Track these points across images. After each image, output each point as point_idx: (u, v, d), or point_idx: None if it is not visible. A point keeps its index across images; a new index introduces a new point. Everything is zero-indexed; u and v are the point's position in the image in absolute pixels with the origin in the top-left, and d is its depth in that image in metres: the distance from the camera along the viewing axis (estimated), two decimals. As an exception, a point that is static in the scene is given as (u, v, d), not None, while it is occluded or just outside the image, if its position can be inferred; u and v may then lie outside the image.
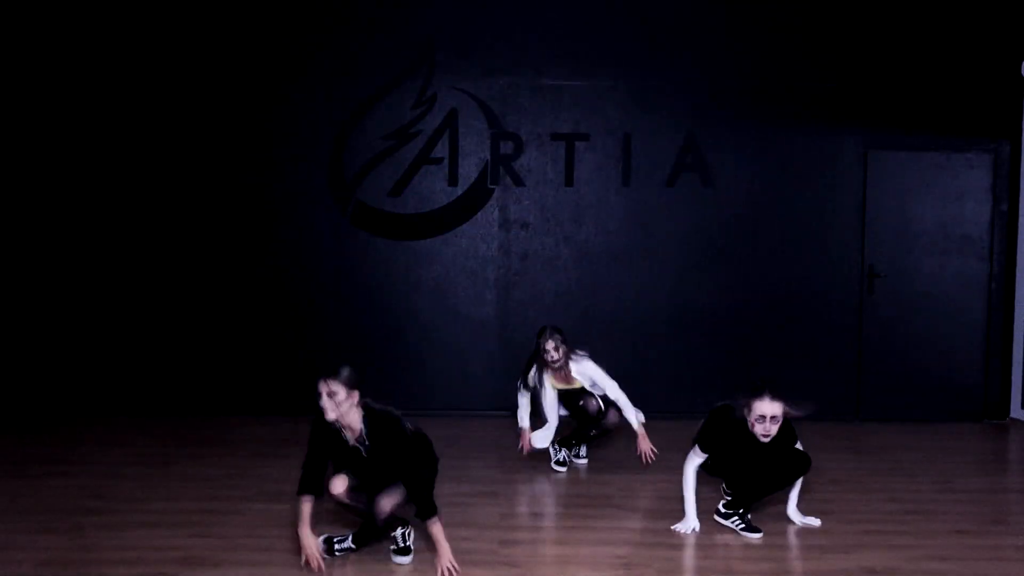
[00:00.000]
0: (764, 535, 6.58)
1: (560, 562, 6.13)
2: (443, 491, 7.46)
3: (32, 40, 9.86)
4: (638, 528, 6.78)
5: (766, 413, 6.33)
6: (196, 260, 10.01)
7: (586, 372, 8.04)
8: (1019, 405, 10.26)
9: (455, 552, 5.83)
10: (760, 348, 10.07)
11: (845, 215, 10.14)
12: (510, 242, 10.13)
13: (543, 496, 7.57)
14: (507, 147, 10.09)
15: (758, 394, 6.37)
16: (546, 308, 10.04)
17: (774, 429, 6.36)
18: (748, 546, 6.40)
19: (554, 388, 8.18)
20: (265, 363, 10.07)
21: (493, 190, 10.11)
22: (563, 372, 8.07)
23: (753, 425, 6.36)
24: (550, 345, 7.96)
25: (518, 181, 10.10)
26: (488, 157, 10.10)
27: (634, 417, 7.93)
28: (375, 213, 10.05)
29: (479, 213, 10.11)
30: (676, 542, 6.47)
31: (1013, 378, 10.29)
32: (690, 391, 9.89)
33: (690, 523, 6.66)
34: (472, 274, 10.12)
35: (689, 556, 6.25)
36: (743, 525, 6.64)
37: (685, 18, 10.09)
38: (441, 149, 10.09)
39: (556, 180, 10.11)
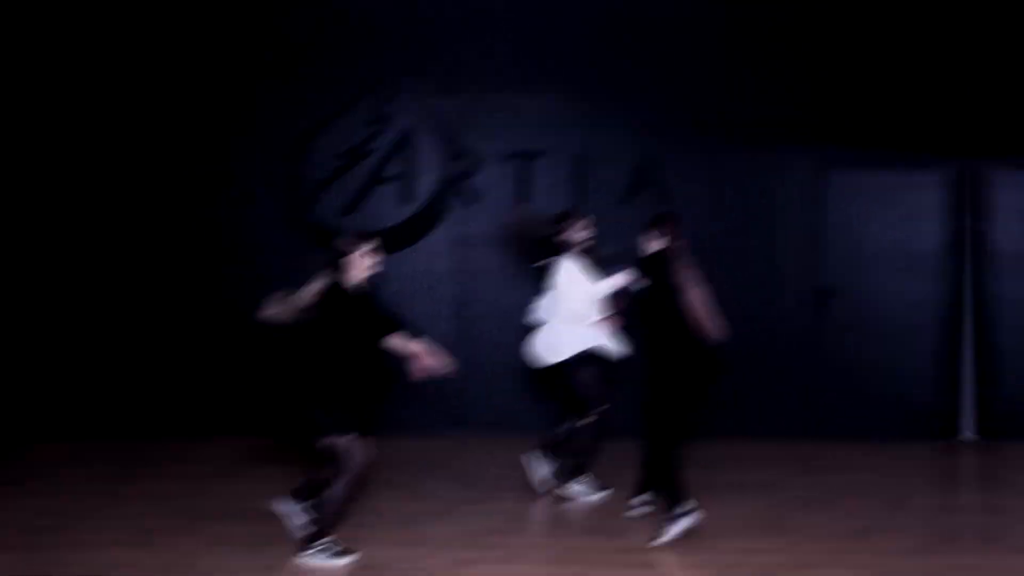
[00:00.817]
0: (717, 552, 6.58)
1: (515, 581, 6.10)
2: (400, 510, 7.46)
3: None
4: (595, 546, 6.78)
5: None
6: (152, 282, 9.97)
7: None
8: (968, 426, 10.31)
9: (412, 572, 5.86)
10: (714, 367, 10.04)
11: (801, 234, 10.20)
12: (466, 259, 10.10)
13: (499, 514, 7.54)
14: (463, 165, 10.08)
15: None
16: (502, 324, 9.87)
17: None
18: (701, 565, 6.40)
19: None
20: (221, 385, 9.97)
21: (449, 208, 10.08)
22: None
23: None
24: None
25: (474, 199, 10.08)
26: (443, 175, 10.08)
27: None
28: (331, 233, 9.94)
29: (436, 231, 10.09)
30: (631, 559, 6.46)
31: (962, 399, 10.34)
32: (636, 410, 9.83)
33: None
34: (428, 291, 10.07)
35: (643, 574, 6.24)
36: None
37: (642, 39, 10.13)
38: (396, 167, 10.06)
39: (512, 198, 10.09)
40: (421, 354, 6.44)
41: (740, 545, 6.77)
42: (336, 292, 6.34)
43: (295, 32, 9.99)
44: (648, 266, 7.14)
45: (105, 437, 9.84)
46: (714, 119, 10.14)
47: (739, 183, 10.14)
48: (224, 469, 8.66)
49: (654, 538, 6.74)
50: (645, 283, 7.14)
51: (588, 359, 7.71)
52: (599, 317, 7.68)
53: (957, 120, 10.25)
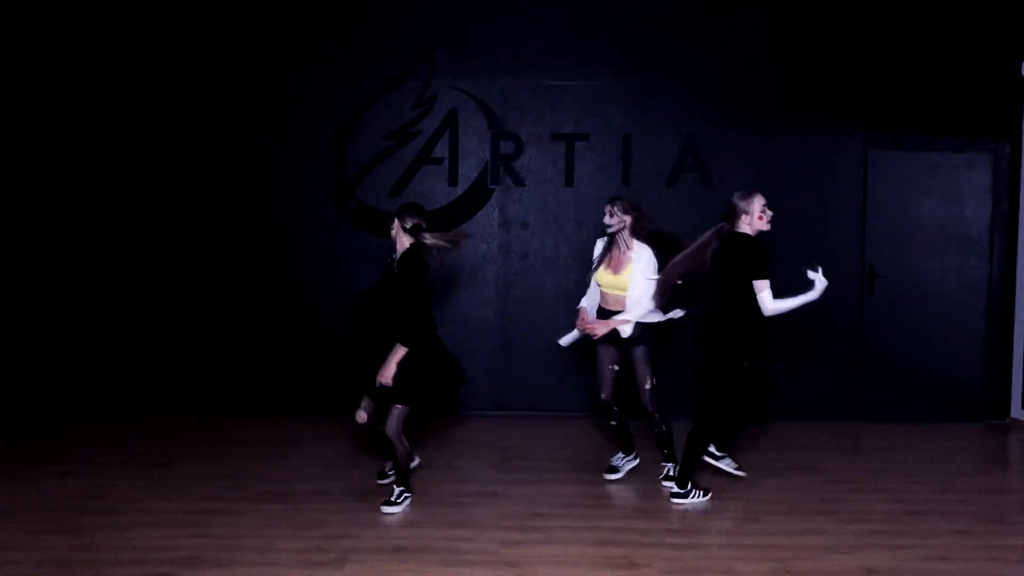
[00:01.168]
0: (764, 534, 6.58)
1: (559, 563, 6.11)
2: (444, 491, 7.48)
3: (24, 45, 9.86)
4: (640, 528, 6.77)
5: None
6: (195, 261, 10.01)
7: (640, 259, 7.55)
8: (1019, 405, 10.24)
9: (454, 552, 5.90)
10: (760, 348, 10.00)
11: (845, 215, 10.13)
12: (510, 242, 10.11)
13: (543, 496, 7.54)
14: (507, 147, 10.08)
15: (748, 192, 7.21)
16: (546, 307, 10.05)
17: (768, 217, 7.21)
18: (748, 546, 6.38)
19: (598, 282, 7.76)
20: (265, 364, 10.07)
21: (493, 190, 10.09)
22: (619, 252, 7.65)
23: (760, 218, 7.16)
24: (607, 208, 7.62)
25: (518, 181, 10.08)
26: (488, 157, 10.08)
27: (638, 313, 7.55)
28: (376, 213, 10.01)
29: (479, 213, 10.08)
30: (677, 541, 6.46)
31: (1013, 378, 10.27)
32: (687, 392, 9.70)
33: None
34: (472, 274, 10.09)
35: (690, 556, 6.23)
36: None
37: (685, 18, 10.08)
38: (441, 149, 10.07)
39: (556, 180, 10.09)
40: None
41: (789, 527, 6.76)
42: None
43: (343, 6, 9.99)
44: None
45: (145, 414, 9.96)
46: (758, 99, 10.08)
47: (783, 163, 10.06)
48: (268, 450, 8.69)
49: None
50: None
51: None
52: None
53: (1005, 97, 10.13)
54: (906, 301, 10.17)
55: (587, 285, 7.91)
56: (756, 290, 7.04)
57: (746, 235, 7.17)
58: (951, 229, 10.17)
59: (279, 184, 10.00)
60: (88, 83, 9.91)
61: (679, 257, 7.33)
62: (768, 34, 10.08)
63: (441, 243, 6.98)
